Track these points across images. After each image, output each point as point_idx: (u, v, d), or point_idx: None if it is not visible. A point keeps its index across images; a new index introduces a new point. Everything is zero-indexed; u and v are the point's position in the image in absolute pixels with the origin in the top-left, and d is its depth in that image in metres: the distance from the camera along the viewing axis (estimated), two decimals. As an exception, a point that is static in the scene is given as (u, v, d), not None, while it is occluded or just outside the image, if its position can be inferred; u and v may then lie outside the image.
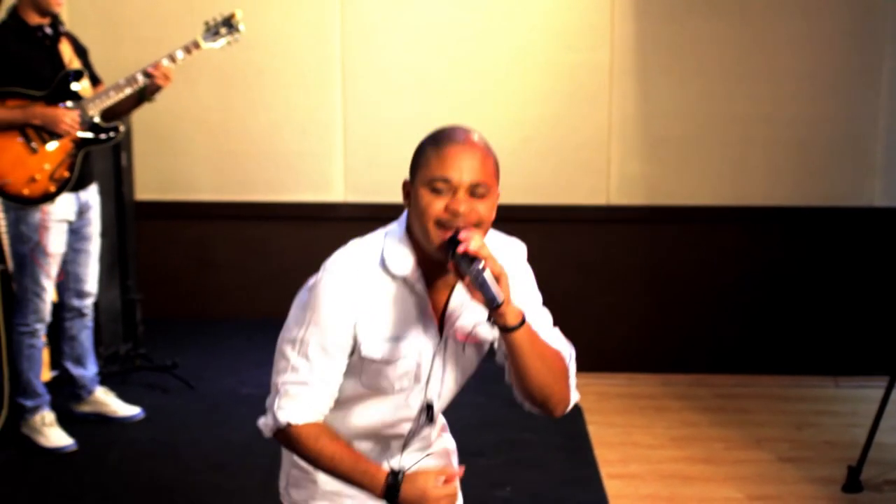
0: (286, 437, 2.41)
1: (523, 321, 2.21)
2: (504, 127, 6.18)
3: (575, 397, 2.41)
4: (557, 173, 6.22)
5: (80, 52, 4.76)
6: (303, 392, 2.36)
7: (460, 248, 2.16)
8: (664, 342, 6.27)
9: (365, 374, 2.36)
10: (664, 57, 6.14)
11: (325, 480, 2.48)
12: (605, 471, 4.64)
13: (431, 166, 2.26)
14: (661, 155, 6.21)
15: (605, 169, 6.22)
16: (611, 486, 4.49)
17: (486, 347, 2.45)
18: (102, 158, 5.36)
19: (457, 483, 2.41)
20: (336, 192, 6.36)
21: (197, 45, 4.69)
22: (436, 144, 2.29)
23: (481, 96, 6.18)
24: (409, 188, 2.32)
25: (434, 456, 2.61)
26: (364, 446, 2.47)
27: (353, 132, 6.30)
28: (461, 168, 2.24)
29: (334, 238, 6.77)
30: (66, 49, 4.64)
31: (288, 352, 2.41)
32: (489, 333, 2.41)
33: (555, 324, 2.49)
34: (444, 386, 2.42)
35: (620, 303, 6.28)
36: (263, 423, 2.44)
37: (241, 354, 5.99)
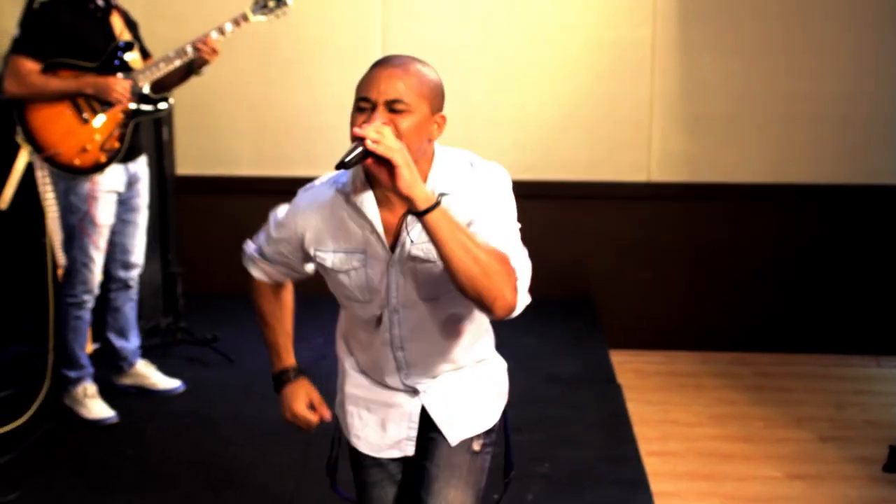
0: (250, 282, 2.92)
1: (435, 205, 2.23)
2: (545, 103, 6.16)
3: (523, 301, 2.35)
4: (598, 150, 6.19)
5: (131, 25, 4.78)
6: (262, 257, 2.86)
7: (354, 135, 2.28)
8: (704, 320, 6.24)
9: (331, 282, 2.60)
10: (707, 32, 6.08)
11: (352, 378, 2.77)
12: (643, 448, 4.63)
13: (358, 87, 2.41)
14: (703, 131, 6.16)
15: (646, 145, 6.18)
16: (649, 464, 4.48)
17: (439, 263, 2.39)
18: (145, 133, 5.37)
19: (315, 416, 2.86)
20: (375, 167, 6.34)
21: (245, 18, 4.68)
22: (368, 69, 2.44)
23: (522, 73, 6.16)
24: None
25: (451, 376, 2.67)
26: (366, 345, 2.68)
27: (393, 107, 6.28)
28: (379, 86, 2.36)
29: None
30: (117, 21, 4.66)
31: (267, 225, 2.84)
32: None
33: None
34: (402, 296, 2.51)
35: (660, 280, 6.25)
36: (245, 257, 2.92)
37: (280, 329, 5.99)
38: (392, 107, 2.35)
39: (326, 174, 2.68)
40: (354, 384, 2.76)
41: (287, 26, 5.61)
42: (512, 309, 2.32)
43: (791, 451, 4.73)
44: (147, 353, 5.26)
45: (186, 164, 6.33)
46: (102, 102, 4.54)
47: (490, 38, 6.19)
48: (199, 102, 6.24)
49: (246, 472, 4.34)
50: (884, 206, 6.11)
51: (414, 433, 2.65)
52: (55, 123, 4.53)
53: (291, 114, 6.36)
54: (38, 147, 4.54)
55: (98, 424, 4.72)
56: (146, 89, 4.67)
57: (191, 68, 4.69)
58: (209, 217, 6.47)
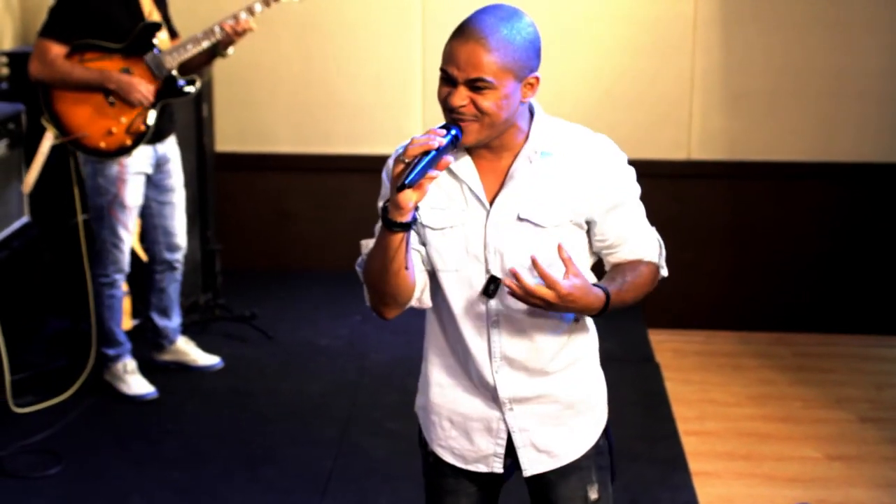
0: None
1: (608, 300, 2.29)
2: (585, 79, 6.12)
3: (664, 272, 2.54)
4: (638, 127, 6.14)
5: (161, 3, 4.76)
6: None
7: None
8: (743, 299, 6.20)
9: (427, 245, 2.44)
10: (749, 7, 6.01)
11: (437, 386, 2.54)
12: (682, 427, 4.62)
13: (443, 55, 2.33)
14: (745, 108, 6.10)
15: (686, 122, 6.13)
16: (688, 443, 4.47)
17: (549, 231, 2.37)
18: (184, 110, 5.40)
19: None
20: (414, 144, 6.34)
21: None
22: (452, 34, 2.34)
23: (563, 48, 6.12)
24: None
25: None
26: (457, 336, 2.47)
27: (432, 84, 6.26)
28: (458, 62, 2.27)
29: (412, 191, 6.73)
30: (146, 0, 4.65)
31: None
32: (546, 216, 2.38)
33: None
34: (502, 261, 2.36)
35: (700, 259, 6.21)
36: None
37: (318, 306, 6.03)
38: (473, 85, 2.26)
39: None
40: (440, 393, 2.54)
41: (326, 2, 5.63)
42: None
43: (830, 431, 4.70)
44: (186, 329, 5.30)
45: (225, 140, 6.34)
46: (124, 100, 4.54)
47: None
48: (239, 79, 6.25)
49: (283, 448, 4.36)
50: (930, 185, 6.04)
51: (501, 450, 2.48)
52: (81, 106, 4.55)
53: (330, 91, 6.35)
54: (63, 130, 4.56)
55: (138, 400, 4.76)
56: (174, 71, 4.64)
57: (215, 50, 4.62)
58: (248, 194, 6.49)
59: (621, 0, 6.08)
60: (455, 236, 2.40)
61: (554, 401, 2.46)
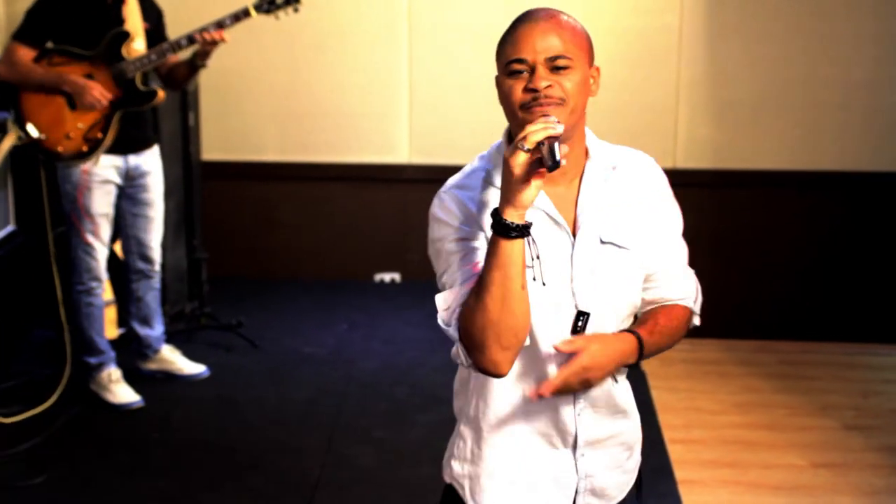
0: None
1: (641, 350, 2.15)
2: (570, 89, 6.14)
3: (696, 321, 2.36)
4: (624, 136, 6.06)
5: (151, 13, 4.76)
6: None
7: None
8: (729, 307, 6.21)
9: None
10: (734, 19, 6.05)
11: (497, 442, 2.25)
12: (668, 435, 4.62)
13: (507, 50, 2.15)
14: (730, 118, 6.14)
15: (672, 132, 6.16)
16: (674, 451, 4.48)
17: (633, 253, 2.19)
18: (170, 118, 5.40)
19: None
20: (401, 153, 6.36)
21: (247, 14, 4.54)
22: (510, 29, 2.18)
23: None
24: (497, 85, 2.20)
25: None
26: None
27: (419, 93, 6.29)
28: (534, 44, 2.10)
29: (399, 200, 6.83)
30: (131, 8, 4.63)
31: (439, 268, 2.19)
32: (628, 237, 2.19)
33: None
34: (592, 294, 2.14)
35: (685, 267, 6.22)
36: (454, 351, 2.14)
37: (304, 314, 6.03)
38: (554, 64, 2.09)
39: (449, 180, 2.28)
40: (499, 456, 2.25)
41: (312, 11, 5.61)
42: None
43: (815, 439, 4.72)
44: (172, 338, 5.29)
45: (212, 149, 6.34)
46: (80, 102, 4.54)
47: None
48: (225, 88, 6.25)
49: (270, 456, 4.35)
50: (911, 193, 6.08)
51: (569, 501, 2.26)
52: (45, 109, 4.57)
53: (316, 100, 6.36)
54: (27, 132, 4.58)
55: (124, 409, 4.75)
56: (137, 81, 4.61)
57: (193, 61, 4.62)
58: (234, 202, 6.49)
59: (608, 12, 6.11)
60: (538, 269, 2.12)
61: (621, 442, 2.32)
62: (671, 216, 2.31)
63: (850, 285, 6.16)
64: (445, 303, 2.11)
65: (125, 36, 4.59)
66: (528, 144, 1.92)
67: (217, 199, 6.37)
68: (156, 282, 5.00)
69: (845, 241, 6.14)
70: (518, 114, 2.11)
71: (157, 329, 5.06)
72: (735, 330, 6.14)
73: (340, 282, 6.32)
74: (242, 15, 4.55)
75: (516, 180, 1.93)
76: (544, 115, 2.01)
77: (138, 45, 4.65)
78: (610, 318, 2.18)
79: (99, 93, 4.52)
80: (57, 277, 4.80)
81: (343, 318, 5.81)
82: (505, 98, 2.16)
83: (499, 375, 2.07)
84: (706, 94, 6.12)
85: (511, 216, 1.95)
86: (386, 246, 6.33)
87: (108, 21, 4.57)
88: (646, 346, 2.15)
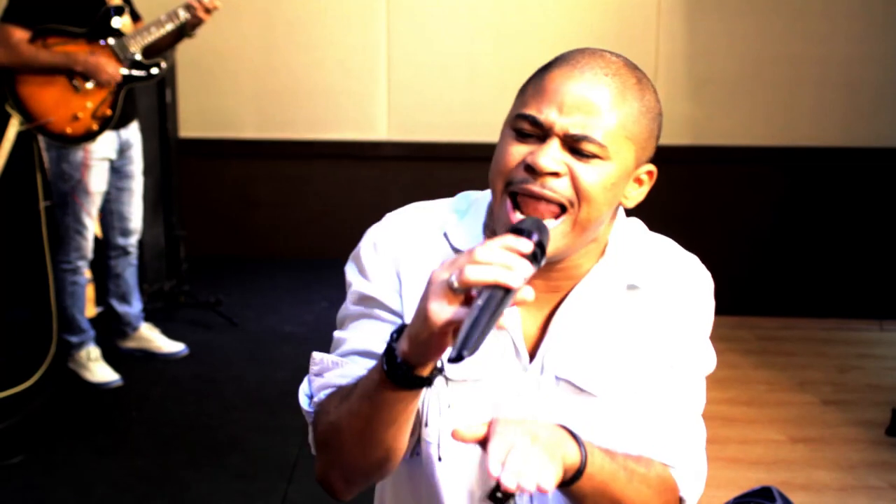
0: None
1: (581, 470, 1.47)
2: (548, 65, 6.13)
3: None
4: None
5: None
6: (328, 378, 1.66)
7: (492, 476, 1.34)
8: (707, 284, 6.23)
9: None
10: (712, -6, 6.05)
11: None
12: (646, 412, 4.64)
13: (525, 95, 1.52)
14: (708, 95, 6.14)
15: (650, 108, 6.15)
16: (652, 427, 4.49)
17: (600, 401, 1.63)
18: (146, 95, 5.36)
19: None
20: (379, 130, 6.33)
21: None
22: (546, 66, 1.56)
23: (527, 34, 6.12)
24: (502, 132, 1.58)
25: None
26: None
27: (397, 70, 6.26)
28: (562, 103, 1.47)
29: (377, 177, 6.80)
30: (108, -16, 4.61)
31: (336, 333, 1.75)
32: (604, 379, 1.62)
33: None
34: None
35: (664, 244, 6.23)
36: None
37: (283, 293, 6.02)
38: (576, 146, 1.47)
39: (403, 209, 1.76)
40: None
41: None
42: None
43: (794, 414, 4.74)
44: (150, 316, 5.27)
45: (189, 126, 6.31)
46: (93, 80, 4.50)
47: (494, 4, 6.15)
48: (202, 65, 6.21)
49: (249, 435, 4.35)
50: (889, 169, 6.09)
51: None
52: (46, 91, 4.51)
53: (294, 77, 6.33)
54: (28, 116, 4.52)
55: (102, 388, 4.73)
56: (138, 55, 4.60)
57: (183, 31, 4.59)
58: (211, 180, 6.46)
59: (585, -14, 6.09)
60: (479, 394, 1.59)
61: None
62: (691, 358, 1.74)
63: (827, 261, 6.18)
64: (316, 365, 1.67)
65: (119, 10, 4.56)
66: (459, 284, 1.29)
67: (194, 176, 6.34)
68: (133, 258, 4.98)
69: (823, 218, 6.16)
70: (499, 190, 1.51)
71: (135, 306, 5.04)
72: (714, 306, 6.16)
73: (319, 260, 6.31)
74: None
75: (431, 330, 1.32)
76: (515, 234, 1.35)
77: (125, 19, 4.61)
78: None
79: (113, 69, 4.48)
80: (48, 256, 4.77)
81: (322, 296, 5.80)
82: (495, 159, 1.53)
83: (335, 498, 1.63)
84: (684, 70, 6.12)
85: (415, 362, 1.38)
86: (365, 222, 6.28)
87: None
88: (586, 469, 1.48)
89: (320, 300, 5.79)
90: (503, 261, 1.27)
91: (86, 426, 4.43)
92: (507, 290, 1.27)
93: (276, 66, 6.35)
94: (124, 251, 4.93)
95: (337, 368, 1.62)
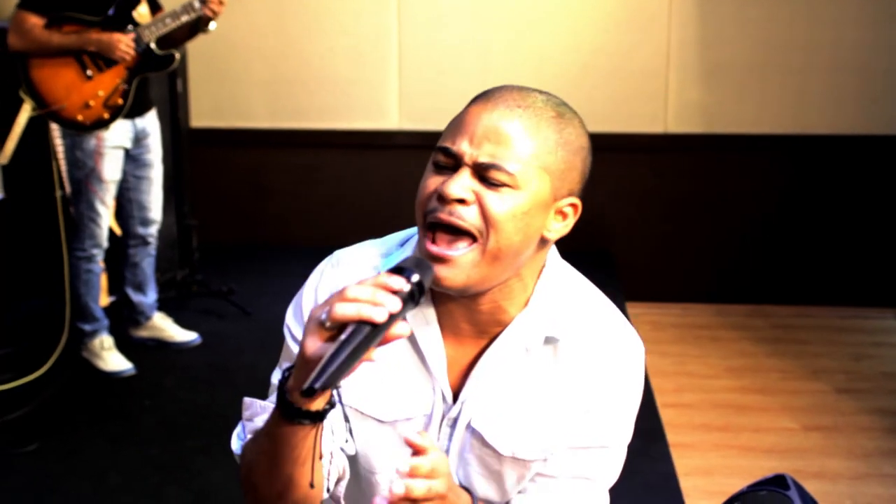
0: None
1: None
2: (562, 53, 6.10)
3: None
4: (615, 101, 6.14)
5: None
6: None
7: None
8: (720, 272, 6.22)
9: (354, 437, 1.68)
10: (725, -19, 6.02)
11: None
12: (659, 400, 4.63)
13: (445, 132, 1.59)
14: (721, 82, 6.11)
15: (662, 96, 6.13)
16: (665, 415, 4.49)
17: (504, 459, 1.65)
18: (158, 84, 5.35)
19: None
20: (391, 119, 6.32)
21: None
22: (467, 105, 1.60)
23: (539, 22, 6.10)
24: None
25: None
26: None
27: (409, 59, 6.25)
28: (472, 135, 1.51)
29: (389, 166, 6.79)
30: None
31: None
32: (519, 441, 1.64)
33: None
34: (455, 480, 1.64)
35: (677, 232, 6.22)
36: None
37: (295, 281, 5.93)
38: (485, 174, 1.50)
39: (353, 247, 1.84)
40: None
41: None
42: None
43: (807, 402, 4.73)
44: (163, 305, 5.28)
45: (201, 116, 6.31)
46: (106, 60, 4.50)
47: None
48: (214, 54, 6.21)
49: (262, 423, 4.35)
50: (904, 156, 6.06)
51: None
52: (59, 78, 4.51)
53: (306, 66, 6.32)
54: (41, 102, 4.52)
55: (115, 376, 4.74)
56: (152, 45, 4.60)
57: (197, 25, 4.59)
58: (223, 169, 6.46)
59: (598, -27, 6.07)
60: (397, 432, 1.67)
61: None
62: (611, 429, 1.68)
63: (841, 249, 6.15)
64: (247, 410, 1.73)
65: (136, 1, 4.56)
66: (329, 321, 1.34)
67: (206, 166, 6.34)
68: (153, 248, 4.99)
69: (838, 205, 6.13)
70: (419, 221, 1.56)
71: (150, 296, 5.05)
72: (726, 294, 6.15)
73: (331, 248, 6.28)
74: None
75: (307, 365, 1.38)
76: (395, 273, 1.38)
77: (143, 9, 4.61)
78: None
79: (126, 45, 4.47)
80: (65, 245, 4.77)
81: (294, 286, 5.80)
82: (417, 192, 1.58)
83: None
84: (697, 57, 6.09)
85: (298, 399, 1.43)
86: (376, 211, 6.31)
87: None
88: None
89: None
90: (370, 297, 1.31)
91: (99, 414, 4.45)
92: (375, 326, 1.30)
93: (288, 55, 6.34)
94: (144, 241, 4.93)
95: (265, 413, 1.65)
